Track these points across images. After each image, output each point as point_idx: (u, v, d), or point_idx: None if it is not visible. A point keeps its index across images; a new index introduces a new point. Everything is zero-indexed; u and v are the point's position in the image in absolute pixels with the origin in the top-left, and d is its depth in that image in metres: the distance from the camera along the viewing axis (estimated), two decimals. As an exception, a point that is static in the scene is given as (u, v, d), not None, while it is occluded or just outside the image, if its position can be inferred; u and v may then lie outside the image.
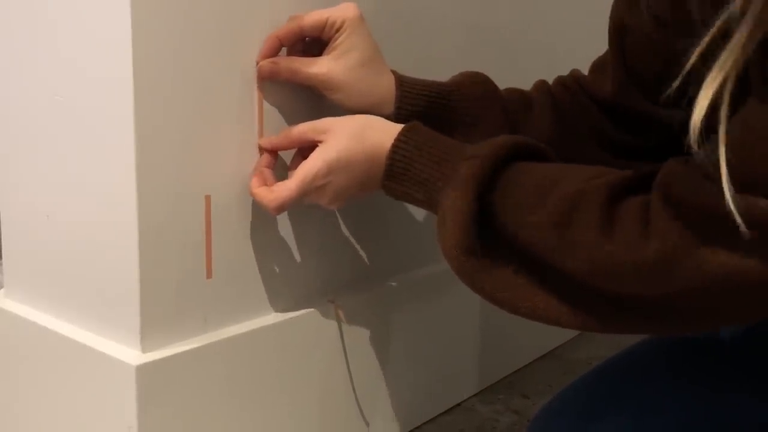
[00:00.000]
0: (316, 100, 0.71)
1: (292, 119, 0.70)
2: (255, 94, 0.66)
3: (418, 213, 0.89)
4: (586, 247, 0.48)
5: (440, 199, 0.56)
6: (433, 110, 0.67)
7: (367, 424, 0.82)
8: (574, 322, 0.52)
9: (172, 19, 0.59)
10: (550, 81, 0.75)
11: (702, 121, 0.45)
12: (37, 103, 0.66)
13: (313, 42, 0.67)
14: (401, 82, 0.67)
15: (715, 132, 0.47)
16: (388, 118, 0.67)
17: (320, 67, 0.65)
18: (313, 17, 0.65)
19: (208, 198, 0.63)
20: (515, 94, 0.71)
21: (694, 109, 0.44)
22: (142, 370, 0.58)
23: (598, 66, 0.71)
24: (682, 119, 0.63)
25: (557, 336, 1.24)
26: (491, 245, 0.54)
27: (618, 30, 0.64)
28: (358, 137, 0.61)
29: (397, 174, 0.60)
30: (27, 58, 0.67)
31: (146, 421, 0.59)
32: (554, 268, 0.51)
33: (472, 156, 0.55)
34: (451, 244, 0.54)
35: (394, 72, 0.68)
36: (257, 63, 0.65)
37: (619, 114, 0.68)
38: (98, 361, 0.61)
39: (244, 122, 0.66)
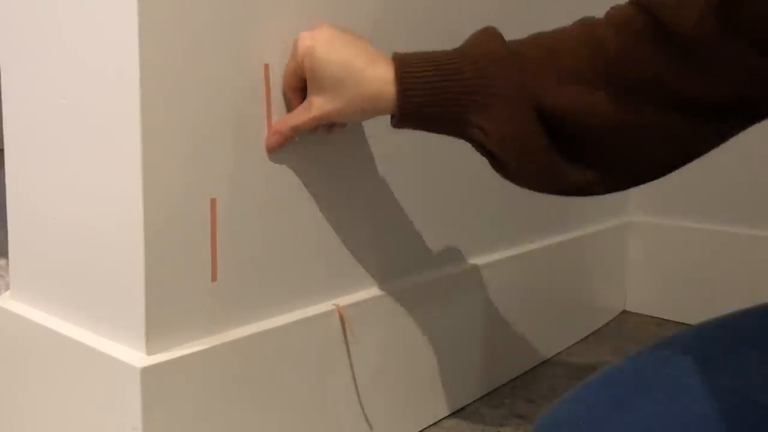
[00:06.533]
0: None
1: (298, 123, 0.70)
2: (263, 96, 0.67)
3: (423, 217, 0.89)
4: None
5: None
6: (442, 94, 0.63)
7: (371, 427, 0.82)
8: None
9: (179, 21, 0.59)
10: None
11: None
12: (44, 105, 0.67)
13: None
14: (401, 73, 0.63)
15: None
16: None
17: (310, 110, 0.66)
18: (286, 74, 0.68)
19: (214, 201, 0.64)
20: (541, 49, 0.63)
21: None
22: (147, 373, 0.59)
23: None
24: None
25: (561, 341, 1.24)
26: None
27: None
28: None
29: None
30: (34, 61, 0.67)
31: (151, 423, 0.59)
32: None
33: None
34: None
35: (394, 58, 0.64)
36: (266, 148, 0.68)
37: (702, 54, 0.55)
38: (103, 363, 0.61)
39: (251, 125, 0.66)
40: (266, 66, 0.66)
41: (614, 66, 0.58)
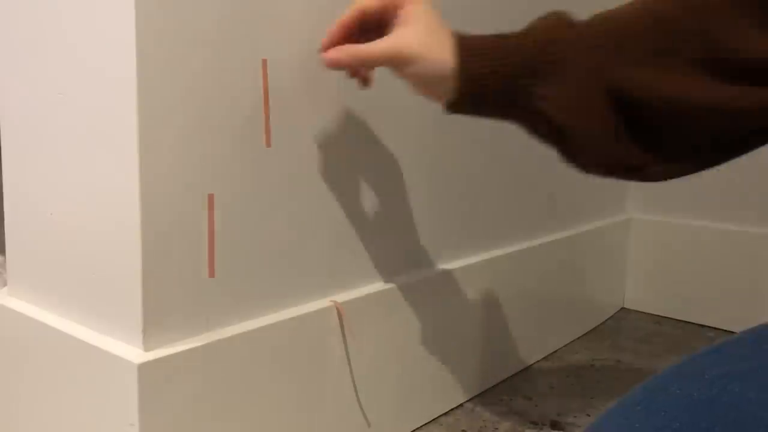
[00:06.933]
0: (323, 97, 0.71)
1: (299, 117, 0.70)
2: (261, 91, 0.66)
3: (422, 214, 0.89)
4: None
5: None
6: (504, 66, 0.61)
7: (369, 424, 0.82)
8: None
9: (176, 17, 0.59)
10: None
11: None
12: (41, 101, 0.66)
13: (368, 32, 0.66)
14: (461, 43, 0.62)
15: None
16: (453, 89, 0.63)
17: (387, 42, 0.63)
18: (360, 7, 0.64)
19: (211, 196, 0.63)
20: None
21: None
22: (144, 369, 0.58)
23: None
24: None
25: (560, 338, 1.24)
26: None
27: None
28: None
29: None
30: (31, 57, 0.67)
31: (147, 419, 0.59)
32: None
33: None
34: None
35: (455, 36, 0.63)
36: (320, 53, 0.66)
37: None
38: (100, 359, 0.61)
39: (248, 120, 0.66)
40: (264, 61, 0.66)
41: (686, 38, 0.55)
